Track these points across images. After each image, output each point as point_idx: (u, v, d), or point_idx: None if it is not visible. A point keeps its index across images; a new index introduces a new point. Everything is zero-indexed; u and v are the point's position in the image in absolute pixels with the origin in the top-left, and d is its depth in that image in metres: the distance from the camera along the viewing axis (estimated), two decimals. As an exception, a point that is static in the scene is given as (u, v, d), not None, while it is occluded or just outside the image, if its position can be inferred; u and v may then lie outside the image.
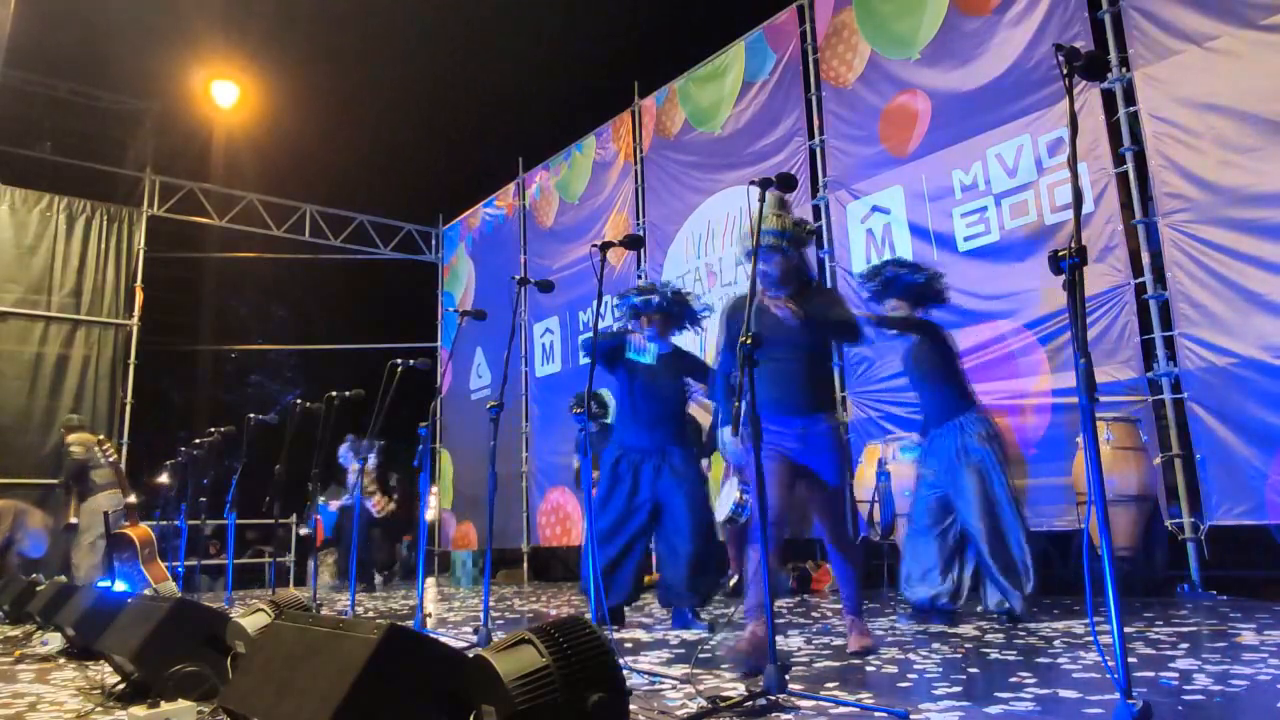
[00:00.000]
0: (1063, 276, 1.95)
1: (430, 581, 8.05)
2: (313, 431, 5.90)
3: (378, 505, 7.97)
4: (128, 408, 9.96)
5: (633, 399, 4.54)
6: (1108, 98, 5.45)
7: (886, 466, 5.45)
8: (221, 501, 7.81)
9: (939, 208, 6.21)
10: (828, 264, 6.99)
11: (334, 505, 8.20)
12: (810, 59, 7.31)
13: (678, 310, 4.64)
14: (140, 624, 2.71)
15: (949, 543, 4.03)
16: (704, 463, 5.72)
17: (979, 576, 4.00)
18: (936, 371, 4.12)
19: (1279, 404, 4.54)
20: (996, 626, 3.83)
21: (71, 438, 7.11)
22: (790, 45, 7.50)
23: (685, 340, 4.90)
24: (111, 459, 6.61)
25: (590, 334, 3.98)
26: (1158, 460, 4.97)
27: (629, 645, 3.71)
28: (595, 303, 3.57)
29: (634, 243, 3.67)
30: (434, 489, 9.96)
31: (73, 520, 6.91)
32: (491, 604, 4.46)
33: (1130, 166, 5.33)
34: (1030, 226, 5.67)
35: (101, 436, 6.92)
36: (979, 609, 4.14)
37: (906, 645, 3.39)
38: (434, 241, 12.20)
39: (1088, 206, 5.35)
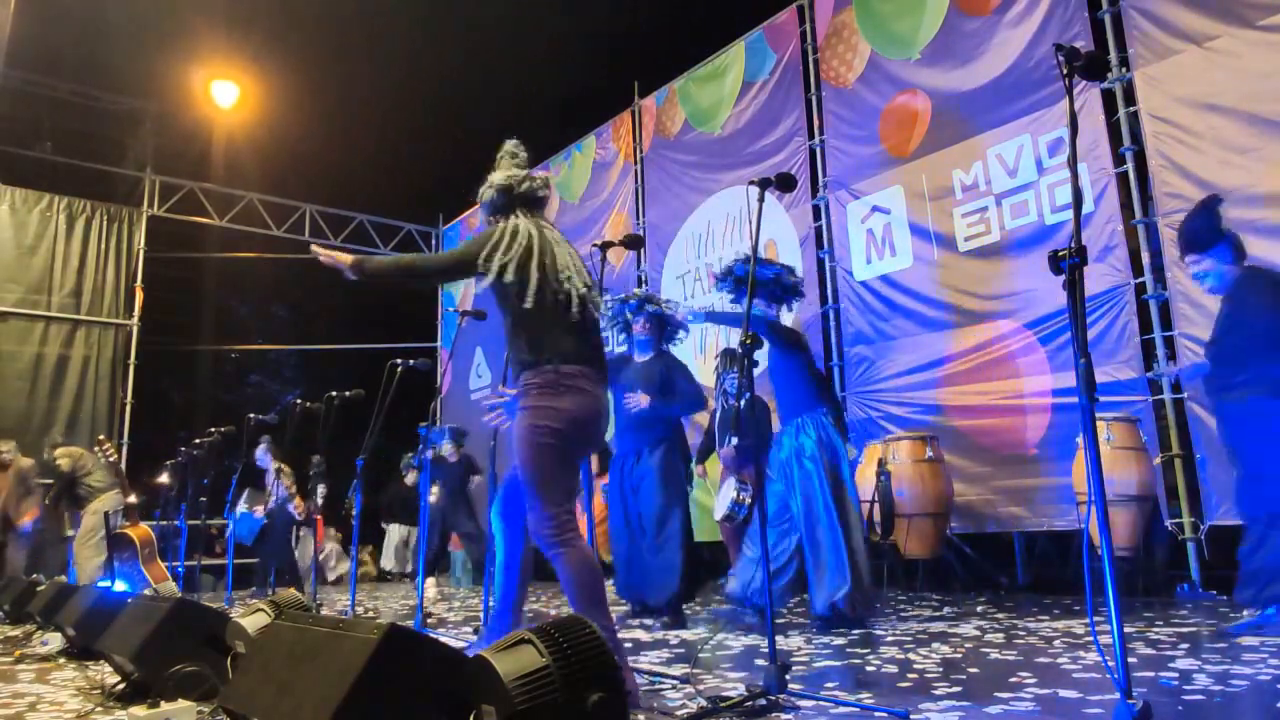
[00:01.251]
0: (1063, 276, 1.95)
1: (430, 582, 8.00)
2: (313, 431, 5.90)
3: (299, 508, 7.80)
4: (128, 408, 9.96)
5: (618, 403, 4.68)
6: (1108, 98, 5.45)
7: (887, 466, 5.45)
8: (221, 501, 7.81)
9: (939, 208, 6.21)
10: (828, 264, 6.99)
11: (259, 511, 8.00)
12: (810, 59, 7.31)
13: (659, 322, 4.89)
14: (140, 624, 2.71)
15: (782, 540, 4.07)
16: (698, 467, 5.74)
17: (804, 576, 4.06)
18: (779, 375, 4.22)
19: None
20: (997, 626, 3.83)
21: (58, 452, 7.17)
22: (790, 45, 7.50)
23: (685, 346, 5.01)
24: (111, 459, 6.60)
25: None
26: (1158, 460, 4.97)
27: (629, 645, 3.71)
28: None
29: (634, 243, 3.68)
30: (434, 489, 9.96)
31: (69, 532, 6.95)
32: (491, 604, 4.46)
33: (1130, 166, 5.33)
34: (1030, 226, 5.67)
35: (101, 436, 6.92)
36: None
37: (906, 645, 3.39)
38: (434, 241, 12.20)
39: (1088, 206, 5.35)
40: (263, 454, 7.87)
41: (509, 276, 2.65)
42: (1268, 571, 3.30)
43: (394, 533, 10.10)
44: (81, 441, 9.46)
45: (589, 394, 2.63)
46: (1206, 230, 3.61)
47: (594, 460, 6.62)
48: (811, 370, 4.24)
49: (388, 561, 10.15)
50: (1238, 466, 3.54)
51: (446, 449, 8.39)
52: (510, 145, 3.09)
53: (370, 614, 5.93)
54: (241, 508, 7.70)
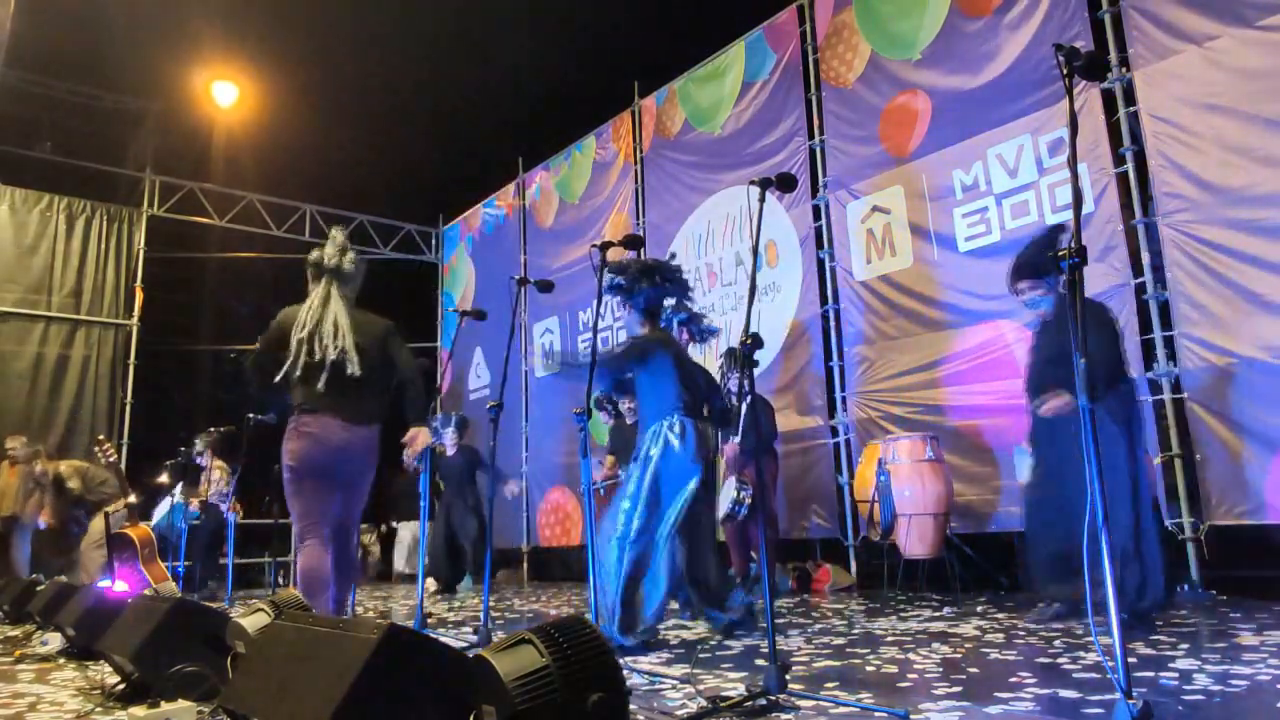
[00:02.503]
0: (1063, 276, 1.95)
1: (430, 583, 7.97)
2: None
3: (233, 508, 7.65)
4: (128, 408, 9.96)
5: None
6: (1108, 98, 5.45)
7: (887, 466, 5.45)
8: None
9: (939, 208, 6.21)
10: (828, 264, 6.99)
11: (194, 504, 7.83)
12: (810, 59, 7.31)
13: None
14: (140, 624, 2.71)
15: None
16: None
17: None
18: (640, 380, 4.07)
19: (1279, 404, 4.54)
20: (997, 626, 3.83)
21: (64, 470, 7.09)
22: (790, 45, 7.50)
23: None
24: (111, 459, 6.60)
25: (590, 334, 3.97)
26: (1158, 460, 4.97)
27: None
28: (595, 303, 3.58)
29: (634, 243, 3.67)
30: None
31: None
32: (491, 604, 4.46)
33: (1130, 166, 5.33)
34: (1031, 227, 5.67)
35: (101, 436, 6.92)
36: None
37: (906, 645, 3.39)
38: (434, 241, 12.20)
39: (1088, 206, 5.36)
40: (200, 451, 7.71)
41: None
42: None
43: (405, 532, 9.97)
44: (82, 440, 9.49)
45: (312, 436, 3.46)
46: (1047, 261, 3.66)
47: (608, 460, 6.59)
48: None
49: (400, 562, 10.02)
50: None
51: (449, 437, 8.07)
52: (336, 235, 3.85)
53: (370, 614, 5.93)
54: (176, 498, 7.35)
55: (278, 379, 3.50)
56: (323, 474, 3.49)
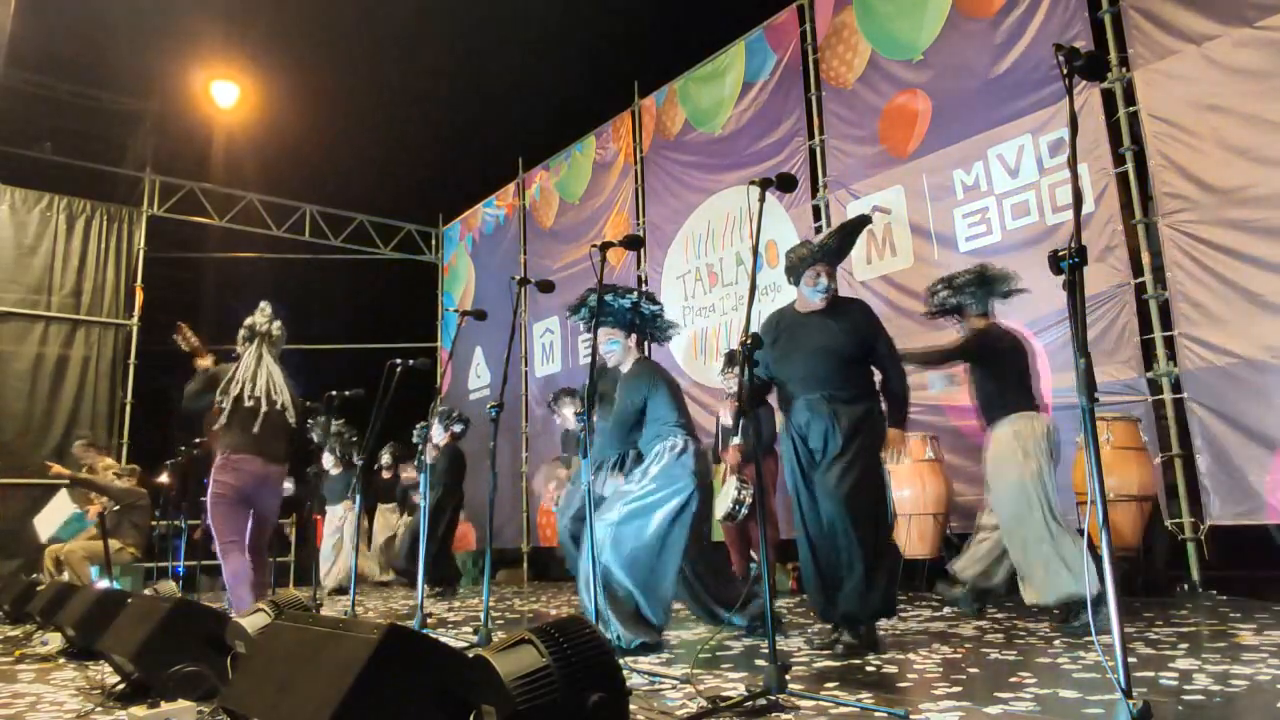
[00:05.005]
0: (1063, 276, 1.95)
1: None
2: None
3: (90, 512, 7.43)
4: (128, 408, 9.96)
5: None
6: (1108, 98, 5.45)
7: (887, 466, 5.44)
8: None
9: (940, 208, 6.21)
10: (828, 264, 6.98)
11: (92, 512, 7.57)
12: (810, 59, 7.31)
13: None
14: (140, 624, 2.71)
15: None
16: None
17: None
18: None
19: (1279, 404, 4.54)
20: (997, 626, 3.83)
21: (111, 466, 7.17)
22: (790, 45, 7.50)
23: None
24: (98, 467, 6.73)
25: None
26: (1158, 460, 4.97)
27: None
28: (596, 303, 3.58)
29: (634, 243, 3.67)
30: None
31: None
32: (491, 604, 4.46)
33: (1130, 166, 5.33)
34: (1032, 227, 5.67)
35: (79, 449, 7.02)
36: None
37: (906, 645, 3.39)
38: (434, 241, 12.20)
39: (1088, 206, 5.35)
40: (83, 450, 7.58)
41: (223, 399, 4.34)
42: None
43: (380, 525, 9.36)
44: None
45: (244, 472, 4.28)
46: (848, 247, 3.86)
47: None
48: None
49: (366, 562, 9.18)
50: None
51: (435, 435, 7.50)
52: (266, 307, 4.66)
53: (371, 614, 5.93)
54: (72, 508, 7.04)
55: (211, 421, 4.35)
56: (248, 502, 4.34)
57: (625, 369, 4.01)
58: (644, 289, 4.68)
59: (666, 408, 3.82)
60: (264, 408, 4.34)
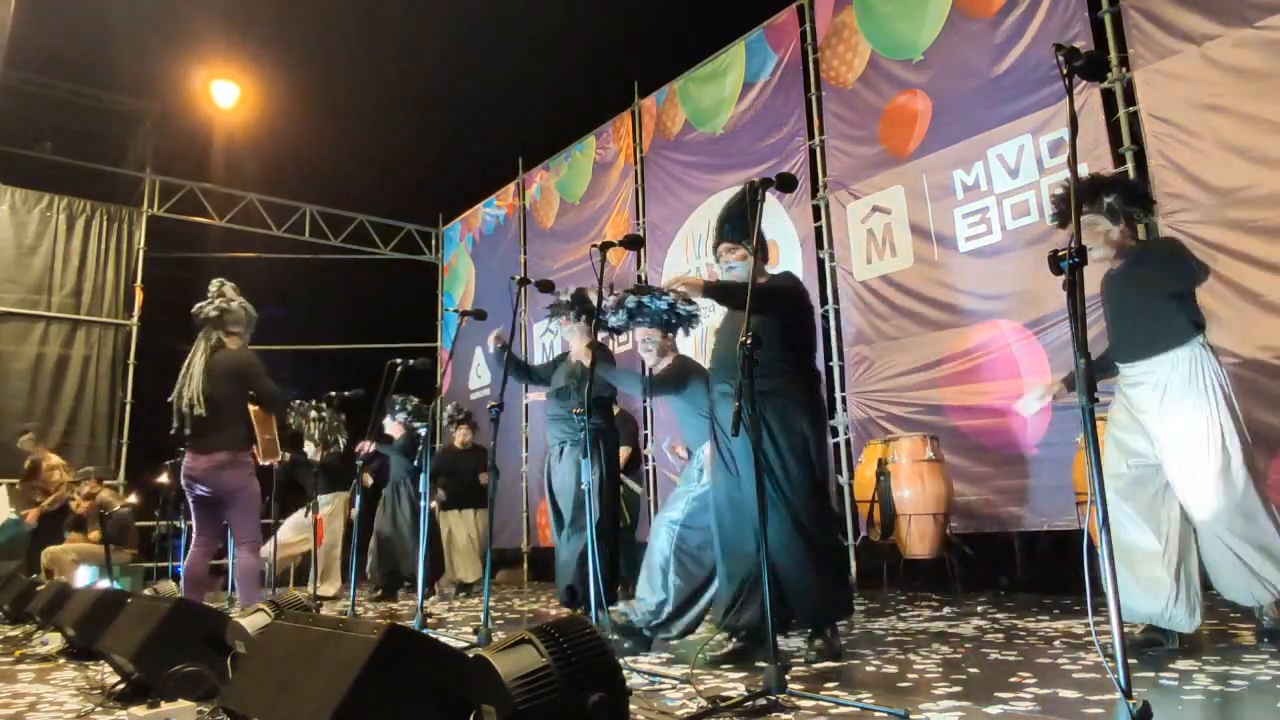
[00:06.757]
0: (1063, 276, 1.95)
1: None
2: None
3: (29, 517, 7.29)
4: (128, 408, 9.97)
5: None
6: (1108, 98, 5.45)
7: (887, 466, 5.46)
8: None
9: (940, 208, 6.21)
10: (828, 264, 7.00)
11: (30, 516, 7.39)
12: (810, 59, 7.31)
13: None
14: (140, 624, 2.71)
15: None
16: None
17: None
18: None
19: (1279, 404, 4.54)
20: (997, 626, 3.83)
21: (57, 466, 7.16)
22: (790, 45, 7.50)
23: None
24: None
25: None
26: (1158, 460, 4.95)
27: (629, 645, 3.70)
28: (597, 303, 3.60)
29: (634, 243, 3.68)
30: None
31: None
32: (491, 604, 4.46)
33: (1130, 166, 5.33)
34: (1032, 227, 5.67)
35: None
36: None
37: (906, 645, 3.39)
38: (434, 241, 12.20)
39: (1088, 206, 5.34)
40: (31, 444, 7.52)
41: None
42: None
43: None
44: (82, 440, 9.52)
45: (186, 469, 4.52)
46: (749, 218, 3.17)
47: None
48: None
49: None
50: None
51: (397, 420, 6.95)
52: (213, 286, 4.70)
53: (370, 614, 5.93)
54: (8, 512, 7.00)
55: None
56: (196, 496, 4.55)
57: (661, 367, 4.15)
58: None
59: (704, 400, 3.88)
60: (198, 409, 4.48)
